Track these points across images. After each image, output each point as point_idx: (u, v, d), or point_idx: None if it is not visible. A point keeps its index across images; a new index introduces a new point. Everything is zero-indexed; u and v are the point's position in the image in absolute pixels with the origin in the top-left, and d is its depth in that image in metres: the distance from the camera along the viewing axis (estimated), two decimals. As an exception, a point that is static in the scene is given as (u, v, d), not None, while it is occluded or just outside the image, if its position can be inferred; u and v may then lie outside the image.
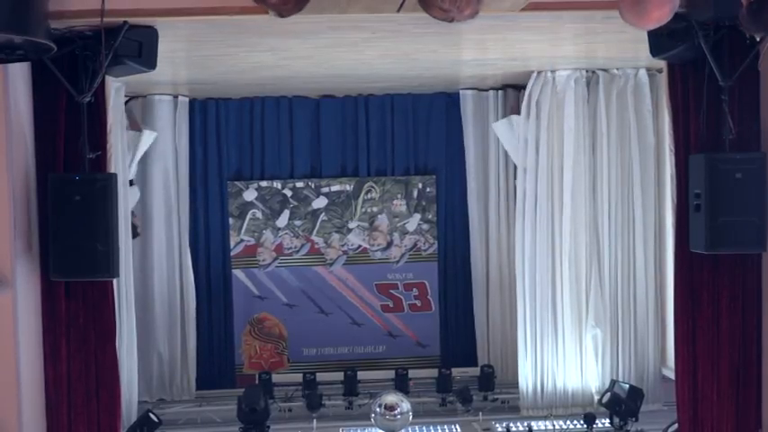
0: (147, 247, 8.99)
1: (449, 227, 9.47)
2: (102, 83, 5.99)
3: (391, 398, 7.99)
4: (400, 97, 9.28)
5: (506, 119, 8.84)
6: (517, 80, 8.70)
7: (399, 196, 9.47)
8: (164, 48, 6.07)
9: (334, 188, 9.47)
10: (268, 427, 7.96)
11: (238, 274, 9.39)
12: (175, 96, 8.96)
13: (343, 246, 9.49)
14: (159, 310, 8.99)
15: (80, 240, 5.80)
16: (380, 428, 7.97)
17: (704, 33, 5.89)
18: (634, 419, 7.91)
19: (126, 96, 8.37)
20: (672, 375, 7.06)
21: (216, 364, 9.31)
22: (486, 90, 9.19)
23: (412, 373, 8.92)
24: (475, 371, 9.03)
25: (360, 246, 9.52)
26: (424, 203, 9.52)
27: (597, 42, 7.21)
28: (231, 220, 9.34)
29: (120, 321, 7.32)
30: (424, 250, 9.55)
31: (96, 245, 5.81)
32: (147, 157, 8.88)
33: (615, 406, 8.01)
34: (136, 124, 8.72)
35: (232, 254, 9.38)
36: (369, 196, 9.49)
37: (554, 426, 8.31)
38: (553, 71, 8.37)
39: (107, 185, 5.90)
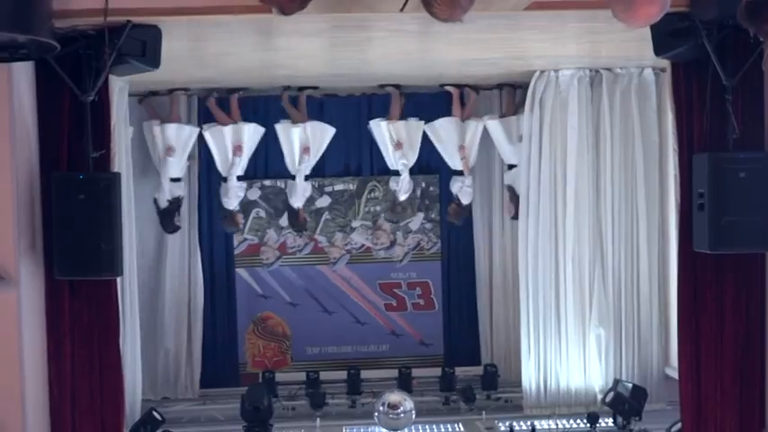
0: (163, 245, 9.01)
1: (452, 226, 9.45)
2: (106, 82, 6.00)
3: (394, 396, 7.99)
4: (406, 95, 9.25)
5: (376, 120, 8.98)
6: (521, 79, 8.70)
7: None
8: (167, 47, 6.07)
9: (338, 187, 9.47)
10: (271, 425, 7.96)
11: (242, 272, 9.40)
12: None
13: (346, 245, 9.50)
14: (168, 307, 9.02)
15: (84, 239, 5.81)
16: (384, 427, 7.97)
17: (708, 33, 5.89)
18: (637, 419, 7.91)
19: (291, 89, 8.80)
20: (675, 375, 7.04)
21: (219, 363, 9.31)
22: (491, 89, 9.19)
23: (415, 371, 8.93)
24: (478, 370, 9.03)
25: (363, 245, 9.52)
26: (427, 202, 9.52)
27: (600, 42, 7.20)
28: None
29: (124, 320, 7.33)
30: (428, 249, 9.56)
31: (100, 243, 5.82)
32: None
33: (619, 405, 8.00)
34: (300, 116, 8.89)
35: (236, 253, 9.40)
36: (372, 195, 9.49)
37: (557, 425, 8.31)
38: (556, 70, 8.37)
39: (111, 184, 5.91)
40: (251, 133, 8.85)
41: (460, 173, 9.00)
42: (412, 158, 9.03)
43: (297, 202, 9.04)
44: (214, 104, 8.92)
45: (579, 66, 8.34)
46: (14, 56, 5.31)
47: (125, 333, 7.37)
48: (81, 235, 5.81)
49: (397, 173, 9.09)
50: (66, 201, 5.82)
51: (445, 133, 8.96)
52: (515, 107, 9.01)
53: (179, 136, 8.71)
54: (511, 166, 8.96)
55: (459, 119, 8.95)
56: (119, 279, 6.36)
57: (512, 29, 6.51)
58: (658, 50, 6.28)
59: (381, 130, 8.95)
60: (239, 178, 8.93)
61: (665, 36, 6.11)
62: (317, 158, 9.01)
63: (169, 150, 8.65)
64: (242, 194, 9.03)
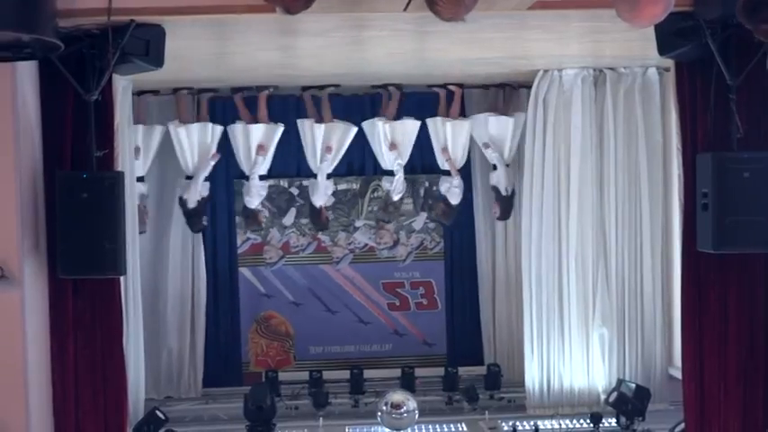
0: (164, 243, 9.01)
1: (455, 225, 9.45)
2: (110, 81, 6.00)
3: (397, 396, 7.99)
4: (407, 95, 9.25)
5: (371, 120, 8.94)
6: (524, 78, 8.69)
7: (406, 195, 9.46)
8: (171, 46, 6.08)
9: (341, 186, 9.46)
10: (274, 424, 7.96)
11: (245, 272, 9.40)
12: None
13: (349, 244, 9.50)
14: (171, 306, 9.02)
15: (87, 238, 5.82)
16: (387, 427, 7.98)
17: (712, 32, 5.88)
18: (641, 419, 7.90)
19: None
20: (679, 375, 7.04)
21: (222, 362, 9.31)
22: (488, 88, 9.19)
23: (418, 371, 8.93)
24: (481, 369, 9.03)
25: (366, 244, 9.51)
26: (430, 202, 9.51)
27: (604, 41, 7.19)
28: (238, 219, 9.35)
29: (127, 319, 7.33)
30: (431, 249, 9.55)
31: (104, 242, 5.83)
32: (162, 153, 8.93)
33: (622, 405, 7.99)
34: (327, 115, 8.93)
35: (239, 252, 9.39)
36: (375, 195, 9.48)
37: (560, 425, 8.30)
38: (560, 70, 8.36)
39: (114, 183, 5.92)
40: (276, 133, 8.85)
41: (449, 173, 9.01)
42: (405, 158, 9.03)
43: (319, 200, 9.01)
44: (242, 103, 8.92)
45: (583, 65, 8.33)
46: (18, 55, 5.31)
47: (128, 332, 7.36)
48: (84, 234, 5.82)
49: (390, 173, 9.07)
50: (70, 200, 5.82)
51: (440, 132, 8.96)
52: (506, 108, 9.04)
53: (211, 136, 8.75)
54: (495, 167, 8.98)
55: (451, 117, 8.93)
56: (122, 278, 6.37)
57: (515, 28, 6.51)
58: (662, 50, 6.28)
59: (377, 130, 8.93)
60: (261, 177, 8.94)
61: (669, 35, 6.10)
62: (339, 158, 8.98)
63: (214, 156, 8.72)
64: (264, 193, 9.04)
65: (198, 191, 8.77)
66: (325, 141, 8.86)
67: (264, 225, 9.28)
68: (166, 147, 8.86)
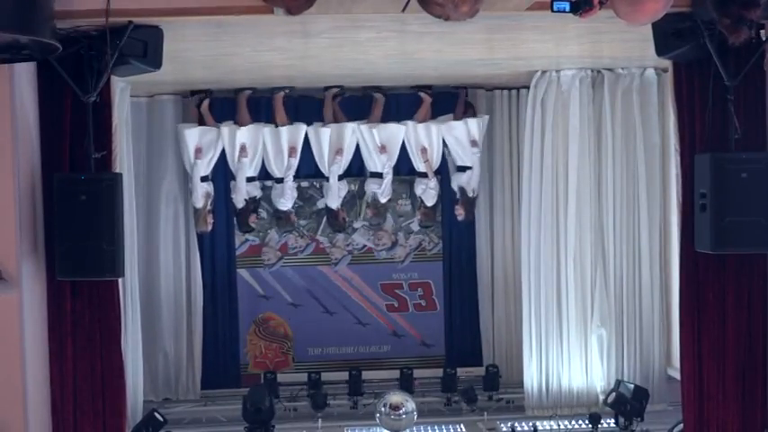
0: (156, 245, 9.00)
1: (453, 226, 9.45)
2: (108, 83, 6.01)
3: (396, 397, 7.99)
4: (405, 97, 9.26)
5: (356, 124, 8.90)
6: (522, 79, 8.70)
7: (404, 196, 9.46)
8: (169, 47, 6.08)
9: (340, 188, 9.44)
10: (273, 426, 7.97)
11: (243, 273, 9.39)
12: (183, 96, 8.99)
13: (347, 245, 9.49)
14: (166, 308, 9.00)
15: (86, 240, 5.82)
16: (385, 428, 7.98)
17: (710, 33, 5.89)
18: (639, 419, 7.91)
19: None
20: (677, 375, 7.05)
21: (221, 364, 9.29)
22: (492, 90, 9.20)
23: (417, 372, 8.92)
24: (480, 370, 9.03)
25: (364, 245, 9.51)
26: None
27: (602, 42, 7.20)
28: (236, 220, 9.33)
29: (126, 321, 7.33)
30: (429, 250, 9.55)
31: (102, 244, 5.84)
32: (157, 155, 8.93)
33: (620, 406, 8.00)
34: (340, 116, 8.88)
35: (237, 253, 9.38)
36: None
37: (559, 426, 8.31)
38: (558, 71, 8.37)
39: (113, 185, 5.92)
40: (302, 134, 8.83)
41: (425, 174, 9.00)
42: (393, 161, 9.02)
43: (333, 202, 8.98)
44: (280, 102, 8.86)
45: (581, 66, 8.34)
46: (16, 56, 5.32)
47: (126, 334, 7.37)
48: (83, 236, 5.82)
49: (377, 175, 9.01)
50: (68, 202, 5.83)
51: (418, 135, 8.94)
52: (465, 110, 9.04)
53: (254, 136, 8.74)
54: (463, 168, 8.95)
55: (422, 120, 8.92)
56: (120, 280, 6.36)
57: (513, 29, 6.51)
58: (660, 51, 6.29)
59: (365, 133, 8.90)
60: (276, 181, 8.94)
61: (666, 36, 6.11)
62: (349, 158, 8.95)
63: (243, 151, 8.68)
64: (296, 195, 9.03)
65: (243, 190, 8.76)
66: (334, 144, 8.84)
67: (296, 225, 9.25)
68: (153, 147, 8.88)
